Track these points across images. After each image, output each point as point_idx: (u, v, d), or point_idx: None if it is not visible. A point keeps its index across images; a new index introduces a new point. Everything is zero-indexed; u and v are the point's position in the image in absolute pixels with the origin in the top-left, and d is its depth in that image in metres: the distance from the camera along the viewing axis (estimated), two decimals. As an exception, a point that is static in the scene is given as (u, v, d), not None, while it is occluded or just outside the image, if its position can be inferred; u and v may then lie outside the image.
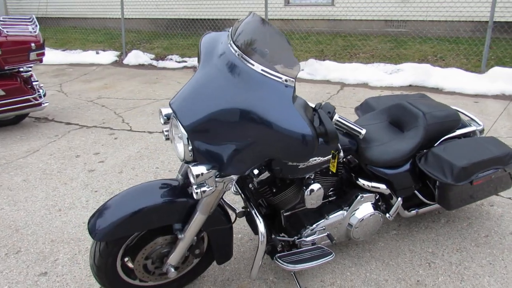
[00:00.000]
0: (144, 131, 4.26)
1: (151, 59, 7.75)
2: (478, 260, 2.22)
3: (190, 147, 1.55)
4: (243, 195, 1.99)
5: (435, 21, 7.38)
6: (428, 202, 2.29)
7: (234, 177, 1.66)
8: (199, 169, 1.49)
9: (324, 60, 6.42)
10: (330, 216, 2.04)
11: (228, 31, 1.78)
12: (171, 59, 7.63)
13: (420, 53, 6.61)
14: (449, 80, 5.35)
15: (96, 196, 3.00)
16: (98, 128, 4.40)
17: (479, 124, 2.36)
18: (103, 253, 1.73)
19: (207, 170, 1.50)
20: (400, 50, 6.87)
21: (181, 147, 1.63)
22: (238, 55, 1.56)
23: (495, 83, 5.15)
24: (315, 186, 1.88)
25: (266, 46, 1.58)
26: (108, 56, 8.07)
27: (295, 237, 2.01)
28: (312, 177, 1.90)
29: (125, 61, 7.80)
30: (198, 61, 1.85)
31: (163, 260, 1.89)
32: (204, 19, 9.20)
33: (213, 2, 9.23)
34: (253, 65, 1.50)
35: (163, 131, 1.85)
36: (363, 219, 2.06)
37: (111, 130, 4.33)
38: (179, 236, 1.78)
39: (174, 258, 1.83)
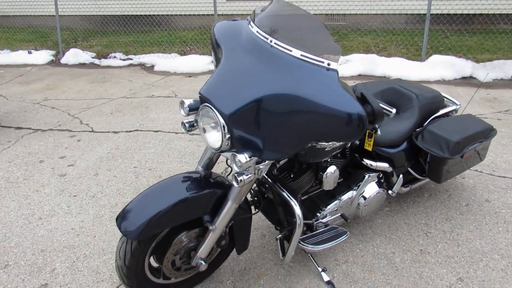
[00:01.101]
0: (109, 132, 4.05)
1: (92, 58, 7.34)
2: (466, 226, 2.45)
3: (228, 135, 1.53)
4: (262, 184, 2.00)
5: (372, 15, 7.85)
6: (419, 177, 2.47)
7: (269, 163, 1.67)
8: (243, 157, 1.49)
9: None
10: (342, 197, 2.13)
11: (248, 20, 1.78)
12: (114, 57, 7.28)
13: (364, 45, 7.00)
14: (394, 69, 5.74)
15: (77, 201, 2.82)
16: (55, 131, 4.10)
17: (456, 103, 2.59)
18: (135, 252, 1.66)
19: (250, 157, 1.50)
20: (344, 42, 7.21)
21: (214, 136, 1.60)
22: (271, 41, 1.57)
23: (435, 70, 5.63)
24: (332, 169, 1.96)
25: (301, 30, 1.61)
26: (42, 56, 7.49)
27: (313, 219, 2.06)
28: (328, 160, 1.97)
29: (63, 61, 7.31)
30: (215, 51, 1.83)
31: (190, 255, 1.85)
32: (144, 15, 8.89)
33: (152, -3, 8.94)
34: (290, 50, 1.52)
35: (183, 123, 1.80)
36: (370, 197, 2.17)
37: (71, 132, 4.06)
38: (211, 228, 1.75)
39: (204, 250, 1.80)
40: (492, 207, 2.62)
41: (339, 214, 2.12)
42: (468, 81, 5.53)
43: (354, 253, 2.25)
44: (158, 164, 3.32)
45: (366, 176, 2.17)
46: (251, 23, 1.73)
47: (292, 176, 1.97)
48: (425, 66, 5.73)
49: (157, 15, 8.85)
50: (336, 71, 1.48)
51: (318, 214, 2.08)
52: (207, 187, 1.74)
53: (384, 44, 6.98)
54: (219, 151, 1.61)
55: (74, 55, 7.29)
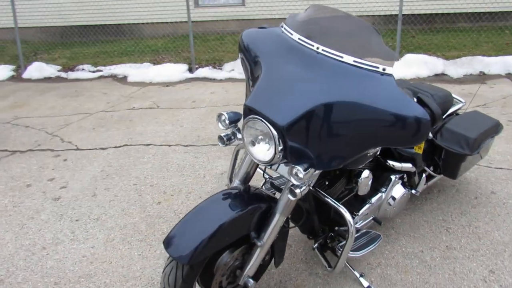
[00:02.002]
0: (96, 148, 3.85)
1: (58, 71, 6.98)
2: (481, 219, 2.52)
3: (280, 147, 1.47)
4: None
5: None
6: (434, 175, 2.52)
7: (318, 173, 1.63)
8: (302, 169, 1.44)
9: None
10: (372, 200, 2.12)
11: (282, 27, 1.74)
12: (82, 69, 6.97)
13: (336, 47, 7.12)
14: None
15: (80, 226, 2.64)
16: (36, 152, 3.84)
17: (462, 101, 2.67)
18: (187, 278, 1.56)
19: (307, 169, 1.45)
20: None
21: (262, 148, 1.54)
22: (317, 48, 1.54)
23: (410, 68, 5.82)
24: (366, 173, 1.95)
25: (348, 34, 1.58)
26: (1, 71, 7.03)
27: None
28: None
29: (26, 75, 6.90)
30: (247, 59, 1.77)
31: (236, 274, 1.77)
32: (108, 24, 8.58)
33: (115, 6, 8.64)
34: (341, 57, 1.49)
35: (220, 136, 1.73)
36: (398, 198, 2.18)
37: (54, 152, 3.82)
38: (259, 244, 1.68)
39: (252, 268, 1.72)
40: (499, 198, 2.71)
41: (371, 217, 2.11)
42: (440, 77, 5.76)
43: (384, 255, 2.25)
44: (159, 180, 3.18)
45: (393, 178, 2.17)
46: (288, 30, 1.68)
47: (327, 183, 1.94)
48: (399, 64, 5.90)
49: (123, 24, 8.58)
50: (392, 75, 1.46)
51: (353, 220, 2.05)
52: (250, 203, 1.67)
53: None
54: (269, 164, 1.55)
55: (38, 69, 6.90)
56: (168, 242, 1.55)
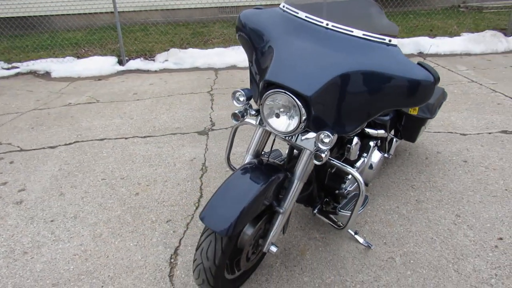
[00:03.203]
0: (43, 148, 3.58)
1: (-37, 70, 6.19)
2: (436, 174, 2.91)
3: (304, 117, 1.59)
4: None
5: (262, 5, 8.24)
6: (396, 139, 2.84)
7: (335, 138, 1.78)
8: (329, 134, 1.57)
9: (186, 48, 6.45)
10: (357, 165, 2.34)
11: (284, 6, 1.84)
12: (-7, 66, 6.27)
13: (265, 34, 7.35)
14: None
15: (58, 225, 2.49)
16: (-29, 157, 3.45)
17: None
18: (226, 249, 1.61)
19: (332, 134, 1.59)
20: (246, 33, 7.46)
21: (284, 120, 1.65)
22: (327, 24, 1.67)
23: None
24: (355, 140, 2.15)
25: (353, 10, 1.74)
26: None
27: (341, 190, 2.24)
28: None
29: None
30: (249, 38, 1.84)
31: (259, 243, 1.86)
32: (15, 17, 7.78)
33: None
34: (351, 31, 1.64)
35: (234, 113, 1.79)
36: (377, 162, 2.44)
37: (-6, 155, 3.47)
38: (281, 211, 1.79)
39: (276, 234, 1.82)
40: (445, 156, 3.14)
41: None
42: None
43: (368, 214, 2.50)
44: (128, 172, 3.09)
45: (372, 144, 2.42)
46: (291, 9, 1.79)
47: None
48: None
49: (32, 16, 7.84)
50: (397, 45, 1.66)
51: (344, 185, 2.25)
52: (270, 174, 1.75)
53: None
54: (290, 134, 1.66)
55: None
56: (206, 217, 1.58)
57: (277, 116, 1.65)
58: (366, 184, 2.35)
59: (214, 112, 4.25)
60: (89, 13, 7.81)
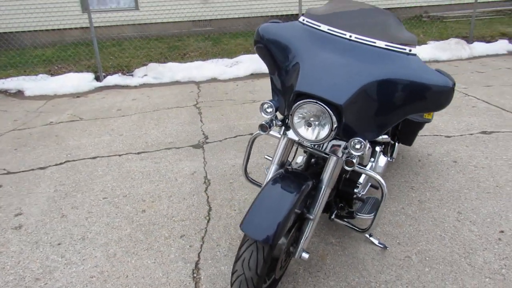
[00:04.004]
0: (33, 169, 3.46)
1: None
2: (432, 175, 3.06)
3: (335, 125, 1.66)
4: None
5: (235, 18, 8.36)
6: (394, 144, 2.97)
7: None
8: (362, 141, 1.65)
9: (165, 62, 6.43)
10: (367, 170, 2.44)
11: (304, 20, 1.91)
12: (-40, 87, 5.97)
13: (241, 47, 7.44)
14: (279, 65, 6.33)
15: (68, 248, 2.42)
16: (-45, 183, 3.28)
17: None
18: (267, 259, 1.64)
19: (364, 141, 1.67)
20: (222, 46, 7.52)
21: (315, 129, 1.71)
22: (350, 36, 1.76)
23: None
24: (368, 145, 2.25)
25: (375, 23, 1.83)
26: None
27: (356, 194, 2.32)
28: None
29: None
30: (270, 52, 1.90)
31: (290, 250, 1.90)
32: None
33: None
34: (374, 42, 1.74)
35: (262, 125, 1.83)
36: (383, 166, 2.55)
37: (-19, 180, 3.32)
38: (311, 217, 1.84)
39: (306, 241, 1.87)
40: (436, 158, 3.31)
41: (369, 184, 2.43)
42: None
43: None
44: (130, 189, 3.05)
45: (378, 149, 2.52)
46: (312, 22, 1.87)
47: None
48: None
49: (-3, 34, 7.54)
50: (416, 54, 1.76)
51: (356, 190, 2.34)
52: (300, 183, 1.79)
53: (258, 44, 7.56)
54: (320, 142, 1.72)
55: None
56: (247, 228, 1.61)
57: (309, 125, 1.71)
58: (376, 188, 2.44)
59: (204, 125, 4.26)
60: (58, 29, 7.62)
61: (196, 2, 8.03)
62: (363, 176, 2.39)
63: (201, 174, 3.22)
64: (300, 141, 1.89)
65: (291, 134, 1.90)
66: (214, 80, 6.09)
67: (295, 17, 8.03)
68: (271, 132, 2.00)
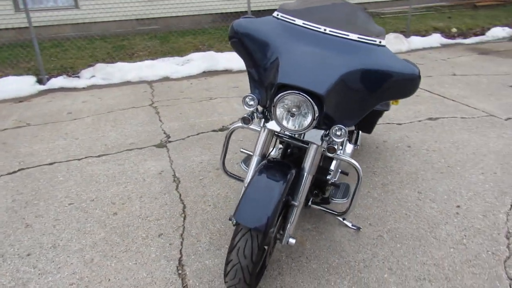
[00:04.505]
0: (-17, 179, 3.23)
1: None
2: (390, 160, 3.28)
3: (317, 114, 1.75)
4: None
5: (182, 16, 8.27)
6: (355, 131, 3.14)
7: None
8: (343, 128, 1.75)
9: (114, 62, 6.22)
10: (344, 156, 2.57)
11: (278, 15, 1.98)
12: None
13: (190, 44, 7.38)
14: (232, 62, 6.38)
15: (39, 258, 2.31)
16: None
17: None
18: (261, 246, 1.69)
19: (344, 128, 1.77)
20: (170, 44, 7.41)
21: (297, 119, 1.79)
22: (324, 30, 1.86)
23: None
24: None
25: (346, 17, 1.93)
26: None
27: (327, 180, 2.43)
28: None
29: None
30: (247, 46, 1.95)
31: (276, 237, 1.96)
32: None
33: None
34: (347, 35, 1.85)
35: (245, 117, 1.88)
36: (350, 153, 2.69)
37: None
38: (296, 204, 1.92)
39: (292, 227, 1.95)
40: (391, 144, 3.55)
41: (340, 171, 2.56)
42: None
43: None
44: (97, 193, 2.95)
45: (346, 137, 2.66)
46: (287, 17, 1.94)
47: None
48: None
49: None
50: (386, 46, 1.89)
51: (329, 177, 2.46)
52: (285, 172, 1.86)
53: (207, 42, 7.54)
54: (302, 131, 1.79)
55: None
56: (241, 218, 1.65)
57: (292, 115, 1.78)
58: (346, 174, 2.58)
59: (164, 124, 4.21)
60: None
61: (139, 0, 7.83)
62: (333, 163, 2.51)
63: (169, 173, 3.19)
64: (281, 132, 1.96)
65: (271, 125, 1.96)
66: (166, 79, 6.00)
67: (244, 14, 8.11)
68: (243, 125, 2.06)
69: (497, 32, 8.06)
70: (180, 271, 2.16)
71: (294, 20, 1.92)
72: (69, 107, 4.89)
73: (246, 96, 1.86)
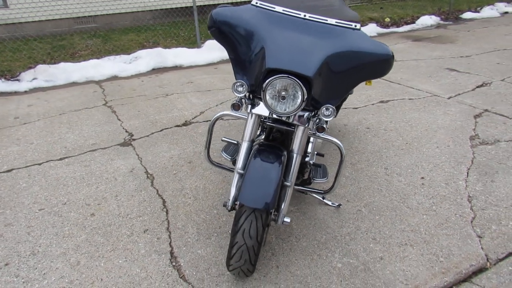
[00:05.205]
0: None
1: None
2: (352, 142, 3.48)
3: (306, 96, 1.84)
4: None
5: (122, 14, 8.00)
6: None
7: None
8: (330, 106, 1.86)
9: (57, 63, 5.88)
10: (311, 139, 2.69)
11: (257, 3, 2.04)
12: None
13: (135, 42, 7.17)
14: (181, 58, 6.32)
15: (20, 267, 2.19)
16: None
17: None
18: (265, 225, 1.75)
19: (333, 108, 1.88)
20: (113, 42, 7.15)
21: (287, 102, 1.87)
22: (304, 16, 1.95)
23: (212, 52, 6.56)
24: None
25: (323, 3, 2.03)
26: None
27: (306, 161, 2.55)
28: None
29: None
30: (229, 34, 2.00)
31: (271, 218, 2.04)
32: None
33: None
34: (326, 20, 1.95)
35: (235, 104, 1.92)
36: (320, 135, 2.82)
37: None
38: (288, 184, 2.00)
39: (286, 206, 2.02)
40: (352, 127, 3.76)
41: (315, 153, 2.69)
42: (239, 57, 6.73)
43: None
44: (68, 196, 2.83)
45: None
46: (266, 5, 2.01)
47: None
48: (204, 51, 6.56)
49: None
50: (361, 29, 2.02)
51: (307, 159, 2.57)
52: (278, 154, 1.93)
53: (152, 38, 7.38)
54: (291, 113, 1.88)
55: None
56: (246, 200, 1.70)
57: (283, 98, 1.85)
58: (322, 155, 2.71)
59: (124, 123, 4.09)
60: None
61: (77, -3, 7.46)
62: (310, 145, 2.63)
63: (140, 170, 3.13)
64: (269, 115, 2.02)
65: (258, 110, 2.01)
66: (115, 78, 5.80)
67: (189, 9, 8.03)
68: (231, 112, 2.10)
69: (426, 20, 8.71)
70: (174, 263, 2.16)
71: (274, 8, 1.99)
72: (15, 112, 4.58)
73: (236, 83, 1.90)
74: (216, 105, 4.45)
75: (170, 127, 3.93)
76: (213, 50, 6.57)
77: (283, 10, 1.96)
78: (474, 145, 3.32)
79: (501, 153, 3.18)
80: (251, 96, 2.03)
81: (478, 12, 9.72)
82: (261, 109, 1.99)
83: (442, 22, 8.94)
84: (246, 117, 2.12)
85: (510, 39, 7.09)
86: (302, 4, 2.01)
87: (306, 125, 1.99)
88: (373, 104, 4.29)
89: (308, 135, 2.07)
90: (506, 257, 2.13)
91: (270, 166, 1.81)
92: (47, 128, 4.02)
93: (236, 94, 1.91)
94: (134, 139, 3.68)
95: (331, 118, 1.87)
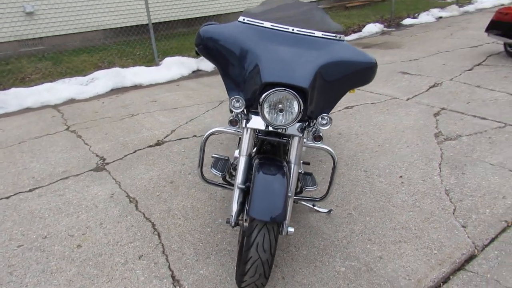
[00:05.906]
0: None
1: None
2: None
3: (302, 107, 1.90)
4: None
5: (69, 34, 7.72)
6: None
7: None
8: (326, 116, 1.92)
9: (6, 89, 5.55)
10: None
11: (244, 20, 2.07)
12: None
13: (88, 63, 6.93)
14: (140, 77, 6.20)
15: None
16: None
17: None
18: (277, 237, 1.77)
19: (329, 117, 1.95)
20: (65, 64, 6.87)
21: (285, 115, 1.92)
22: (292, 30, 2.01)
23: (171, 70, 6.50)
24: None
25: (307, 16, 2.09)
26: None
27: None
28: None
29: None
30: (219, 51, 2.02)
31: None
32: None
33: None
34: (313, 33, 2.02)
35: (233, 120, 1.94)
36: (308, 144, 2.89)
37: None
38: (290, 194, 2.03)
39: (289, 217, 2.05)
40: (324, 134, 3.87)
41: (302, 161, 2.74)
42: (197, 73, 6.72)
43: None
44: (46, 229, 2.68)
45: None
46: (254, 21, 2.05)
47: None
48: (163, 69, 6.48)
49: None
50: (344, 40, 2.12)
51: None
52: (279, 166, 1.95)
53: (106, 58, 7.17)
54: (288, 125, 1.92)
55: None
56: (257, 214, 1.70)
57: (280, 111, 1.89)
58: (308, 163, 2.77)
59: (92, 147, 3.94)
60: None
61: (20, 19, 7.10)
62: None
63: (121, 195, 3.03)
64: (266, 128, 2.05)
65: (253, 124, 2.03)
66: (73, 101, 5.57)
67: (144, 27, 7.89)
68: (223, 128, 2.12)
69: (371, 28, 9.18)
70: (178, 287, 2.11)
71: (263, 23, 2.03)
72: (-33, 144, 4.25)
73: (232, 98, 1.91)
74: (186, 123, 4.41)
75: (143, 148, 3.83)
76: (172, 67, 6.51)
77: (272, 25, 2.01)
78: (439, 141, 3.54)
79: (465, 147, 3.41)
80: (245, 111, 2.05)
81: (416, 18, 10.40)
82: (257, 123, 2.01)
83: (385, 29, 9.47)
84: (238, 132, 2.14)
85: (449, 42, 7.65)
86: (288, 18, 2.08)
87: (302, 135, 2.04)
88: (339, 111, 4.45)
89: (303, 145, 2.12)
90: (490, 242, 2.29)
91: (276, 178, 1.84)
92: (7, 159, 3.77)
93: (234, 110, 1.92)
94: (107, 163, 3.55)
95: (327, 127, 1.93)
